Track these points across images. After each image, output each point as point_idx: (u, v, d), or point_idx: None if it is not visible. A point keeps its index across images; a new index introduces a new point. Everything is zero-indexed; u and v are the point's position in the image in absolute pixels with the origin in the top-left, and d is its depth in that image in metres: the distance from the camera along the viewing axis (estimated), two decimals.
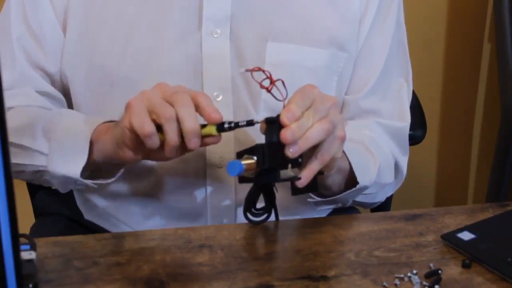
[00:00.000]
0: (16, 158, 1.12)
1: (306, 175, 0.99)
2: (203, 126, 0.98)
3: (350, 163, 1.12)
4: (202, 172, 1.16)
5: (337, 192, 1.14)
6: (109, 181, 1.11)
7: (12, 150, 1.11)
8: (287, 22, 1.16)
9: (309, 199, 1.13)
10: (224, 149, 1.14)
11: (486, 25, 2.22)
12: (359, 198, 1.19)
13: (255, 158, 0.96)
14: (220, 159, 1.15)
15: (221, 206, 1.18)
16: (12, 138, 1.10)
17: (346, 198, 1.15)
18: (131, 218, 1.21)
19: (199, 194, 1.18)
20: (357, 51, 1.21)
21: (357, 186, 1.12)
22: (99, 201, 1.23)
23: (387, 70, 1.23)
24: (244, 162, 0.96)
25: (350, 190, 1.13)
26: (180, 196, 1.18)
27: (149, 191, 1.18)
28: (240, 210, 1.18)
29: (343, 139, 1.02)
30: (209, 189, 1.17)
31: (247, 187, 1.07)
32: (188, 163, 1.15)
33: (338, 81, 1.20)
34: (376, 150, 1.18)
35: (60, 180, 1.12)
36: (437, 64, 2.25)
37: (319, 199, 1.13)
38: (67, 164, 1.09)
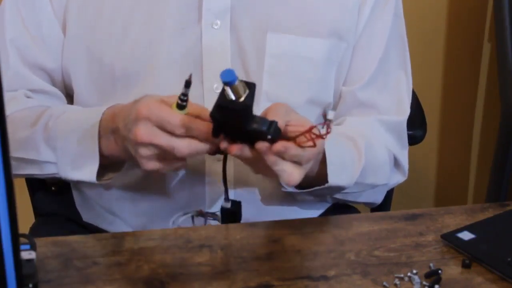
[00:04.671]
0: (26, 170, 1.13)
1: (236, 149, 0.98)
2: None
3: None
4: (201, 166, 1.16)
5: (304, 186, 1.12)
6: (118, 173, 1.12)
7: (20, 165, 1.12)
8: (287, 12, 1.16)
9: (282, 189, 1.13)
10: None
11: (486, 25, 2.22)
12: (339, 196, 1.18)
13: (244, 93, 0.95)
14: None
15: (219, 199, 1.18)
16: (16, 153, 1.10)
17: (321, 193, 1.14)
18: (130, 213, 1.21)
19: (198, 189, 1.18)
20: (355, 41, 1.21)
21: (326, 185, 1.10)
22: (99, 199, 1.22)
23: (385, 62, 1.23)
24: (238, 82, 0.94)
25: (318, 187, 1.11)
26: (179, 190, 1.18)
27: (148, 185, 1.18)
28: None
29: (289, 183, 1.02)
30: (207, 183, 1.17)
31: (246, 181, 1.08)
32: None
33: (336, 72, 1.20)
34: (366, 150, 1.16)
35: (75, 181, 1.14)
36: (437, 64, 2.24)
37: (290, 189, 1.12)
38: (79, 169, 1.10)
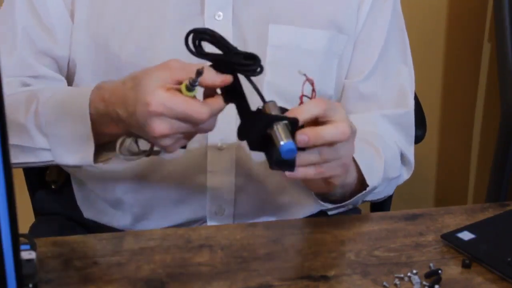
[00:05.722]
0: (21, 157, 1.12)
1: (298, 174, 0.97)
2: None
3: (358, 165, 1.11)
4: (203, 154, 1.17)
5: (346, 197, 1.12)
6: (113, 154, 1.08)
7: (15, 152, 1.11)
8: (288, 4, 1.17)
9: (322, 208, 1.13)
10: (224, 131, 1.15)
11: (486, 25, 2.22)
12: (369, 197, 1.18)
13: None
14: (221, 141, 1.16)
15: (220, 188, 1.18)
16: (12, 140, 1.09)
17: (357, 201, 1.15)
18: (132, 204, 1.21)
19: (199, 177, 1.18)
20: (356, 34, 1.21)
21: (367, 189, 1.11)
22: (101, 192, 1.23)
23: (385, 55, 1.23)
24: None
25: (361, 194, 1.11)
26: (180, 178, 1.18)
27: (148, 174, 1.19)
28: (239, 194, 1.19)
29: (346, 167, 1.02)
30: (209, 171, 1.18)
31: (248, 173, 1.08)
32: (189, 145, 1.16)
33: (338, 64, 1.21)
34: (381, 146, 1.17)
35: (72, 166, 1.13)
36: (437, 64, 2.25)
37: (330, 205, 1.12)
38: (75, 154, 1.07)
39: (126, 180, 1.21)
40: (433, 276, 0.96)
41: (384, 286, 0.94)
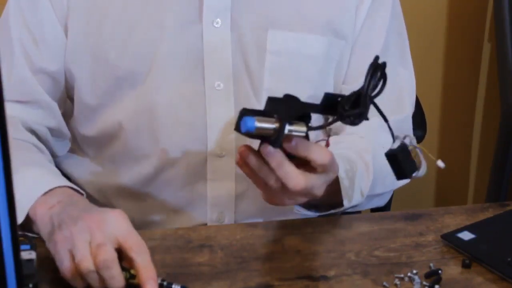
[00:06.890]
0: None
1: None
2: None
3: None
4: (202, 162, 1.17)
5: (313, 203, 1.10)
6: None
7: None
8: (287, 9, 1.17)
9: (296, 211, 1.12)
10: (224, 138, 1.15)
11: (486, 25, 2.22)
12: (350, 209, 1.17)
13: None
14: (221, 149, 1.16)
15: (221, 195, 1.18)
16: None
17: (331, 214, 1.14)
18: (132, 211, 1.21)
19: (199, 184, 1.18)
20: (353, 39, 1.21)
21: (342, 209, 1.10)
22: (102, 198, 1.22)
23: (384, 59, 1.22)
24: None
25: (334, 211, 1.11)
26: (180, 186, 1.18)
27: (149, 182, 1.19)
28: (240, 201, 1.19)
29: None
30: (209, 178, 1.18)
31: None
32: (189, 153, 1.16)
33: (336, 69, 1.21)
34: (374, 162, 1.15)
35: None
36: (437, 64, 2.25)
37: (304, 212, 1.11)
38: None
39: (126, 188, 1.20)
40: (433, 276, 0.96)
41: (384, 286, 0.94)
